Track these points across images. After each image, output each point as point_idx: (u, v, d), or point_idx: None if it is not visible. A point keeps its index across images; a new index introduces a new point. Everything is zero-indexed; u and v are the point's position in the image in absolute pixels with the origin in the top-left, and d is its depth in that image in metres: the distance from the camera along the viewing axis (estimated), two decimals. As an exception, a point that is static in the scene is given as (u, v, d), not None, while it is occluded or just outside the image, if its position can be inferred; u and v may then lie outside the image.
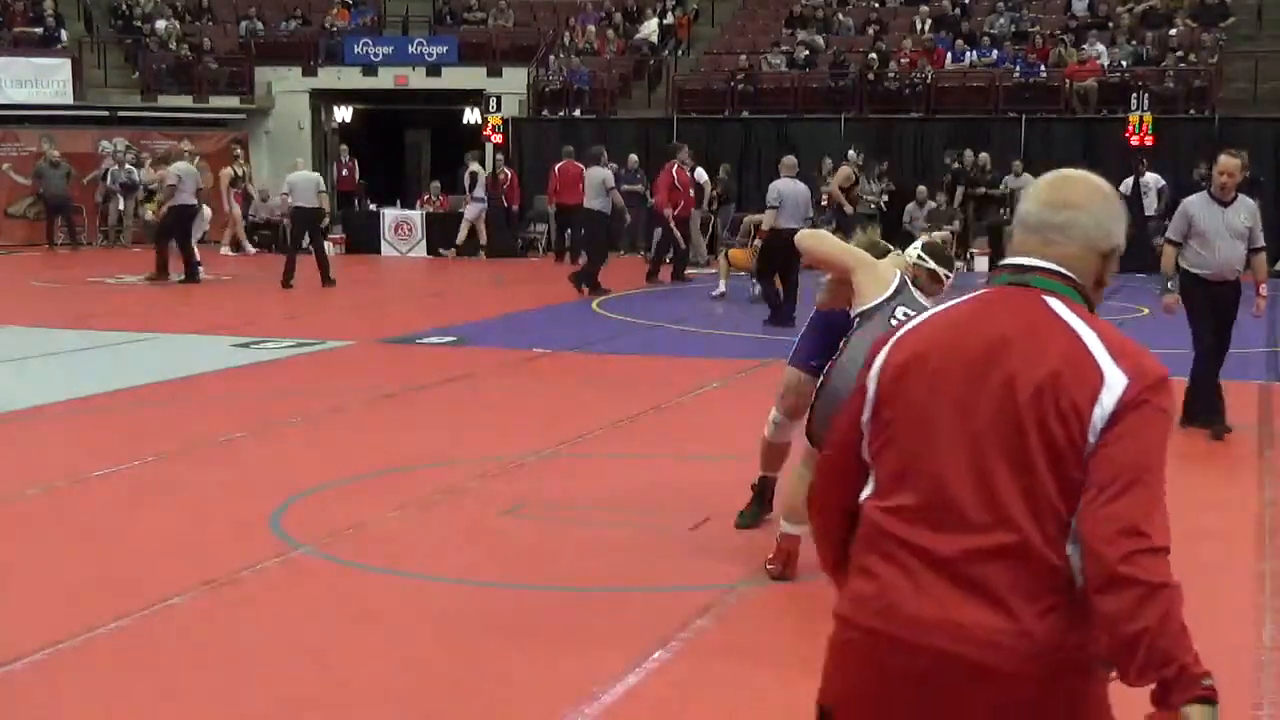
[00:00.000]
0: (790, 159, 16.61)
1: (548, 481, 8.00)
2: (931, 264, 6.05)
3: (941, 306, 2.50)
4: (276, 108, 29.89)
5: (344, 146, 28.19)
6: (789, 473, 6.26)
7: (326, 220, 20.30)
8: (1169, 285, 9.33)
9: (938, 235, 6.41)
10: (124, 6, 31.45)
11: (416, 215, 25.28)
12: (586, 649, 5.27)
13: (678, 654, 5.22)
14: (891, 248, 6.29)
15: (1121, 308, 17.08)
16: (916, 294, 5.85)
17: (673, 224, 19.57)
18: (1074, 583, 2.23)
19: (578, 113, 26.92)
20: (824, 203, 20.72)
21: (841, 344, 5.85)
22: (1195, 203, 9.32)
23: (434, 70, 28.88)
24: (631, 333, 14.84)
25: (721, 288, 17.64)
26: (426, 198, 26.25)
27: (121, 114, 28.35)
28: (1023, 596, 2.22)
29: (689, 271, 20.43)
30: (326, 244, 20.15)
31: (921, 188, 22.70)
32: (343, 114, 31.28)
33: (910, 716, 2.29)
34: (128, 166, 26.15)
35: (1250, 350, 12.07)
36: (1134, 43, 25.47)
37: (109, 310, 16.75)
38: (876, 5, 28.73)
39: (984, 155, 23.11)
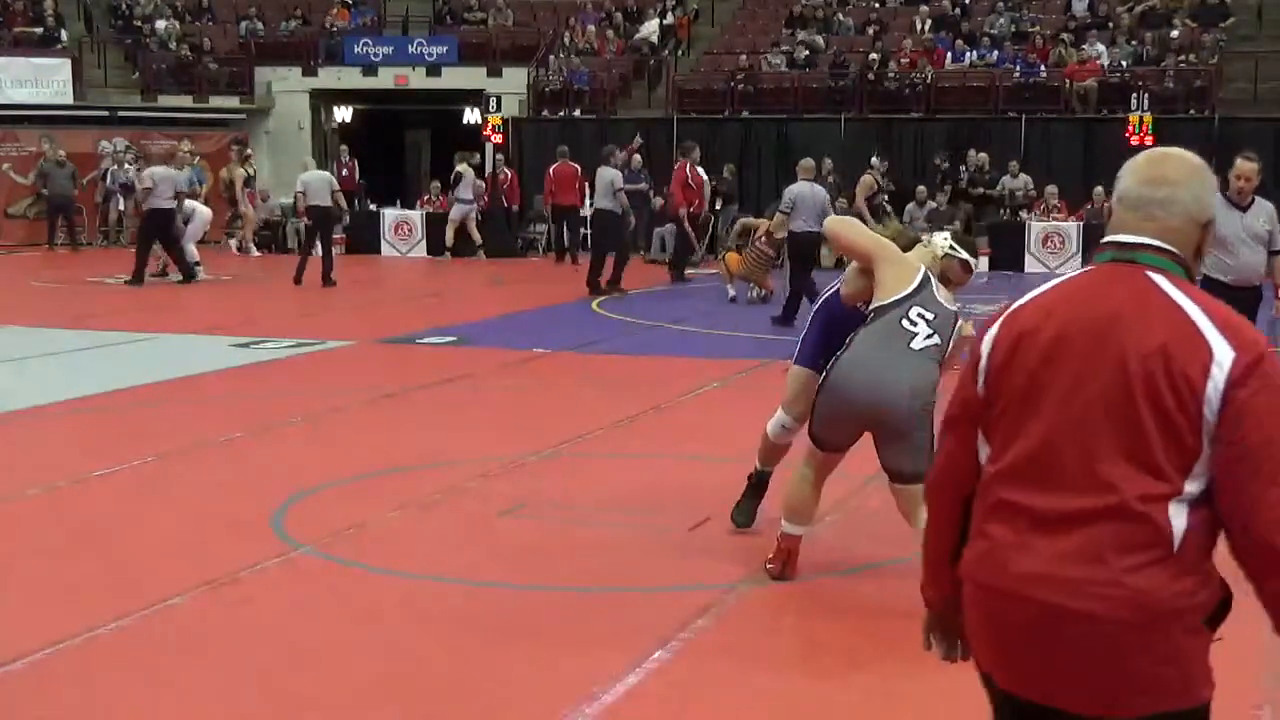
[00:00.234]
0: (808, 161, 16.51)
1: (548, 481, 7.99)
2: (964, 254, 6.04)
3: (1051, 284, 2.62)
4: (276, 108, 29.90)
5: (344, 146, 28.18)
6: (789, 473, 6.25)
7: (346, 218, 20.28)
8: None
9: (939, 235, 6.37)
10: (124, 6, 31.46)
11: (416, 215, 25.28)
12: (586, 649, 5.27)
13: (678, 654, 5.22)
14: (921, 238, 6.26)
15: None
16: (937, 293, 5.81)
17: (687, 223, 19.63)
18: (1172, 541, 2.40)
19: (578, 113, 26.93)
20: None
21: (848, 340, 5.84)
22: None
23: (434, 70, 28.89)
24: (631, 333, 14.84)
25: (731, 292, 17.58)
26: (426, 198, 26.25)
27: (121, 114, 28.36)
28: (1118, 551, 2.38)
29: (688, 272, 20.45)
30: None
31: (921, 188, 22.70)
32: (343, 114, 31.29)
33: (1026, 665, 2.48)
34: (126, 166, 26.16)
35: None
36: (1134, 43, 25.47)
37: (109, 310, 16.75)
38: (876, 5, 28.74)
39: (982, 156, 23.11)
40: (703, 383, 11.30)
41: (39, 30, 29.71)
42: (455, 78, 28.71)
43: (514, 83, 27.88)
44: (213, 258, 21.76)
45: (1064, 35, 25.66)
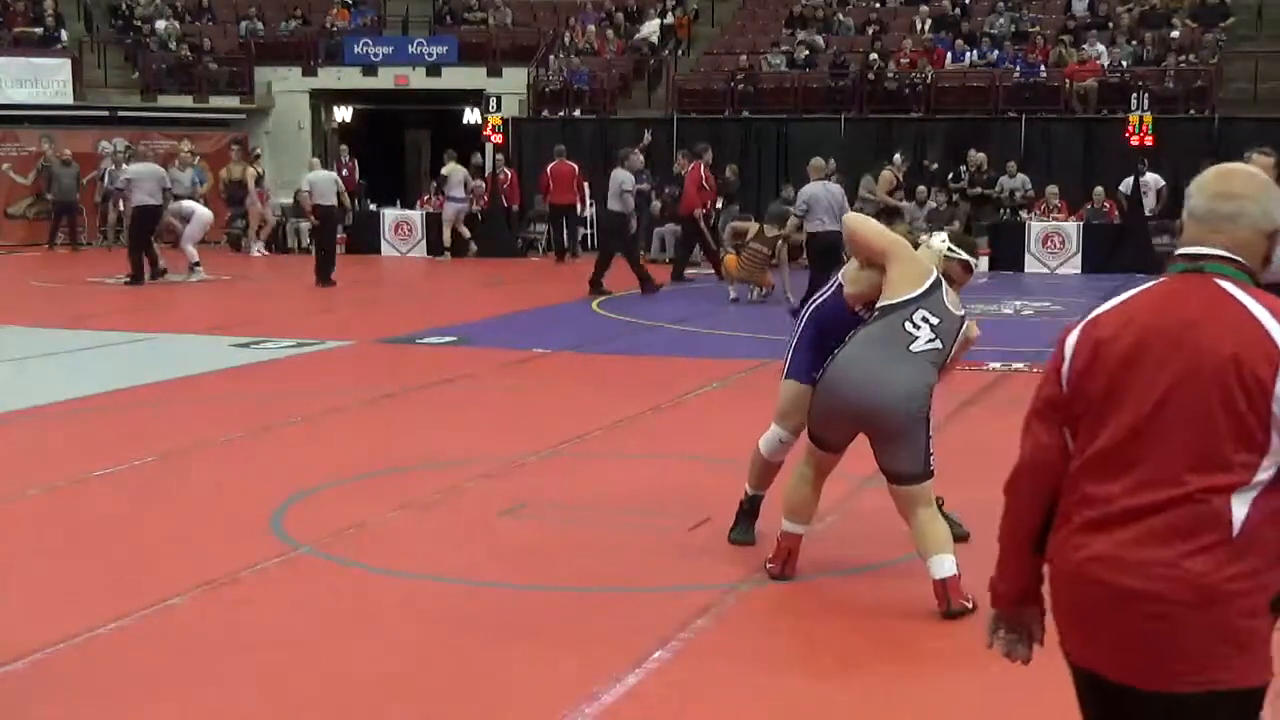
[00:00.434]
0: (819, 161, 16.51)
1: (548, 481, 7.99)
2: (962, 254, 6.04)
3: (1128, 294, 2.82)
4: (276, 108, 29.91)
5: (344, 146, 28.18)
6: (789, 472, 6.24)
7: (349, 218, 20.29)
8: None
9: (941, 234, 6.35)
10: (124, 6, 31.47)
11: (416, 215, 25.27)
12: (586, 649, 5.27)
13: (678, 654, 5.22)
14: (921, 240, 6.25)
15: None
16: (946, 297, 5.80)
17: (703, 224, 19.68)
18: (1231, 527, 2.57)
19: (578, 113, 26.94)
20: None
21: (848, 337, 5.83)
22: None
23: (434, 70, 28.89)
24: (631, 333, 14.84)
25: (733, 293, 17.59)
26: (426, 198, 26.25)
27: (121, 114, 28.35)
28: (1181, 537, 2.58)
29: (688, 272, 20.45)
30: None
31: (921, 187, 22.70)
32: (343, 114, 31.29)
33: (1100, 642, 2.69)
34: (124, 167, 26.16)
35: None
36: (1134, 43, 25.48)
37: (108, 310, 16.75)
38: (876, 5, 28.74)
39: (980, 155, 23.10)
40: (703, 383, 11.30)
41: (39, 30, 29.71)
42: (455, 78, 28.72)
43: (514, 83, 27.89)
44: (213, 257, 21.75)
45: (1064, 35, 25.67)
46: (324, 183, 19.51)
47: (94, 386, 10.95)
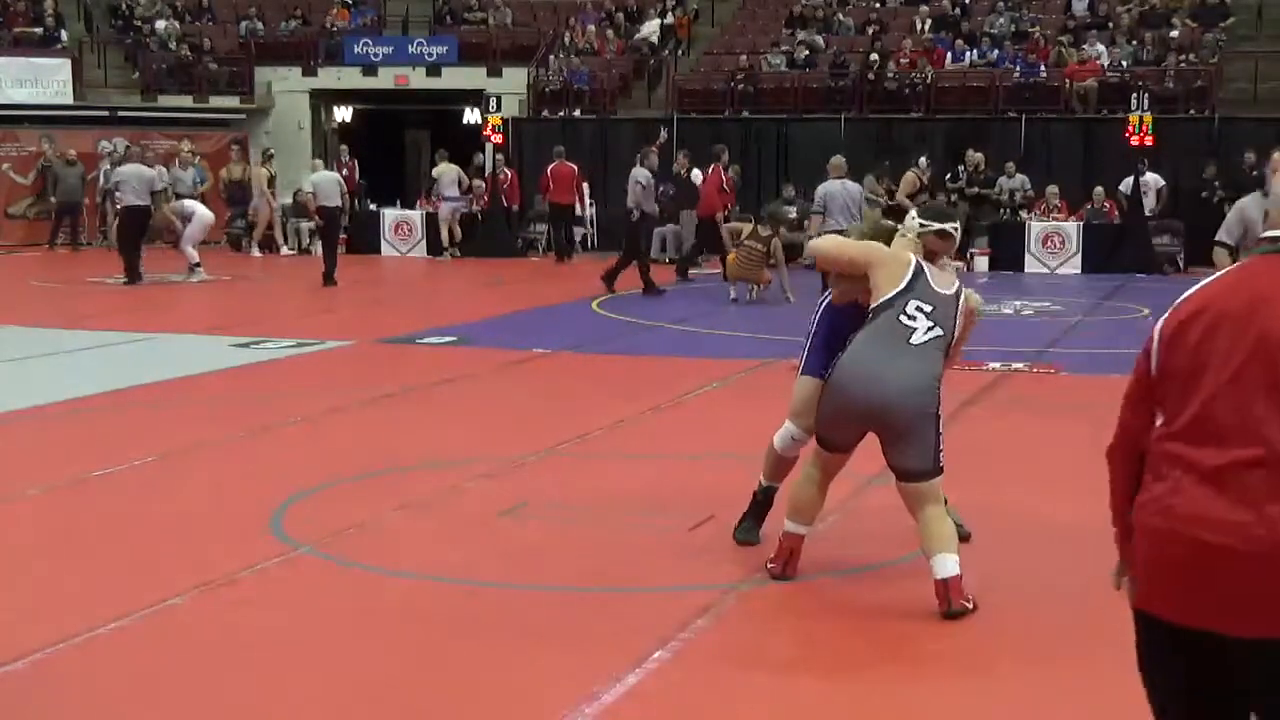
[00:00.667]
0: (838, 159, 16.47)
1: (548, 481, 7.99)
2: (935, 225, 6.01)
3: (1210, 278, 3.05)
4: (276, 108, 29.91)
5: (344, 146, 28.19)
6: (796, 473, 6.24)
7: (345, 219, 20.31)
8: None
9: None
10: (124, 6, 31.47)
11: (416, 215, 25.27)
12: (586, 649, 5.27)
13: (678, 654, 5.22)
14: (898, 225, 6.24)
15: (1121, 308, 17.08)
16: (934, 281, 5.77)
17: (722, 227, 19.74)
18: None
19: (578, 113, 26.94)
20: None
21: (848, 340, 5.83)
22: (1250, 205, 8.62)
23: (434, 70, 28.90)
24: (631, 333, 14.84)
25: (733, 293, 17.60)
26: (421, 199, 26.25)
27: (121, 114, 28.34)
28: (1265, 496, 2.78)
29: (691, 271, 20.46)
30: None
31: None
32: (343, 114, 31.29)
33: (1185, 594, 2.87)
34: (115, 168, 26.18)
35: None
36: (1134, 43, 25.48)
37: (109, 310, 16.75)
38: (876, 5, 28.74)
39: (978, 155, 23.10)
40: (703, 383, 11.30)
41: (39, 30, 29.71)
42: (455, 78, 28.72)
43: (514, 83, 27.89)
44: (213, 257, 21.76)
45: (1064, 35, 25.66)
46: (327, 183, 19.51)
47: (94, 386, 10.95)
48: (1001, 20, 27.01)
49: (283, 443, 9.15)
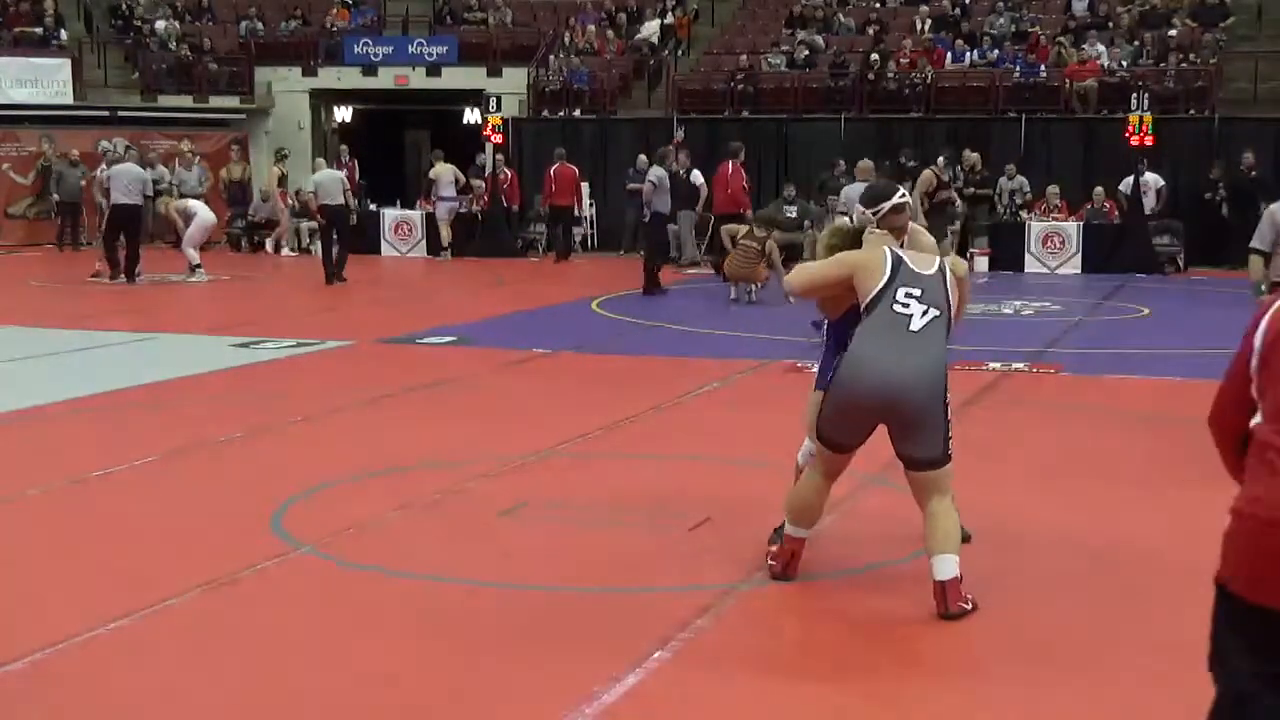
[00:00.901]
0: (866, 163, 16.58)
1: (548, 481, 8.00)
2: (886, 204, 6.01)
3: None
4: (276, 108, 29.92)
5: (344, 146, 28.18)
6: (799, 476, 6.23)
7: (353, 218, 20.33)
8: (1261, 296, 8.70)
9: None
10: (124, 6, 31.48)
11: (416, 215, 25.28)
12: (586, 649, 5.27)
13: (678, 654, 5.21)
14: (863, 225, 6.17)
15: (1121, 308, 17.09)
16: (915, 265, 5.72)
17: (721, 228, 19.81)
18: None
19: (578, 113, 26.95)
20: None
21: (848, 339, 5.81)
22: None
23: (434, 70, 28.90)
24: (631, 333, 14.84)
25: (733, 294, 17.62)
26: (419, 200, 26.25)
27: (121, 114, 28.37)
28: None
29: (688, 271, 20.48)
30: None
31: (907, 184, 22.65)
32: (343, 114, 31.29)
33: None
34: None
35: None
36: (1134, 43, 25.48)
37: (108, 310, 16.76)
38: (876, 5, 28.75)
39: (974, 155, 23.09)
40: (703, 383, 11.30)
41: (39, 30, 29.70)
42: (455, 78, 28.73)
43: (514, 83, 27.89)
44: (213, 257, 21.76)
45: (1064, 35, 25.66)
46: (330, 183, 19.51)
47: (94, 386, 10.95)
48: (1001, 20, 27.02)
49: (283, 443, 9.15)
